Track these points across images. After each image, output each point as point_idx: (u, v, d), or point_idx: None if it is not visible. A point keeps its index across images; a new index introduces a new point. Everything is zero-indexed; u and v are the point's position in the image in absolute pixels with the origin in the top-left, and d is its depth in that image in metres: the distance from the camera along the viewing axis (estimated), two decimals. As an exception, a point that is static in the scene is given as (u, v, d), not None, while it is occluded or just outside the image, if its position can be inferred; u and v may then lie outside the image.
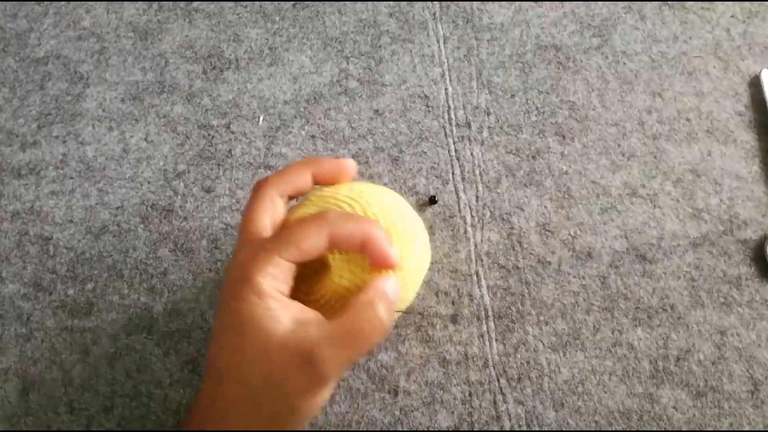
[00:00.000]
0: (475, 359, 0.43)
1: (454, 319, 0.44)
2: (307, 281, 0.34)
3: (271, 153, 0.51)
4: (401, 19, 0.57)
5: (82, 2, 0.59)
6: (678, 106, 0.53)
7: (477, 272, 0.46)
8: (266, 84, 0.54)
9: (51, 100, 0.54)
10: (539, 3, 0.58)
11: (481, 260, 0.46)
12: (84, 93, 0.54)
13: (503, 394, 0.42)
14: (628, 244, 0.47)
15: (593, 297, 0.45)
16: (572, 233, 0.47)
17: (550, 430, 0.41)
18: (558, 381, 0.42)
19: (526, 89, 0.54)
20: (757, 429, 0.41)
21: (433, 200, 0.48)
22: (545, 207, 0.48)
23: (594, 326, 0.44)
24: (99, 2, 0.59)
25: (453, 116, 0.52)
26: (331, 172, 0.34)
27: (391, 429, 0.41)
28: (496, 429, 0.41)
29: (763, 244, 0.47)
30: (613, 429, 0.41)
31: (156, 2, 0.59)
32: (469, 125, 0.52)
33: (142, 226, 0.48)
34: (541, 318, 0.44)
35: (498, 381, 0.42)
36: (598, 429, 0.41)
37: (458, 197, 0.49)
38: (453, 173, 0.50)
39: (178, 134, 0.52)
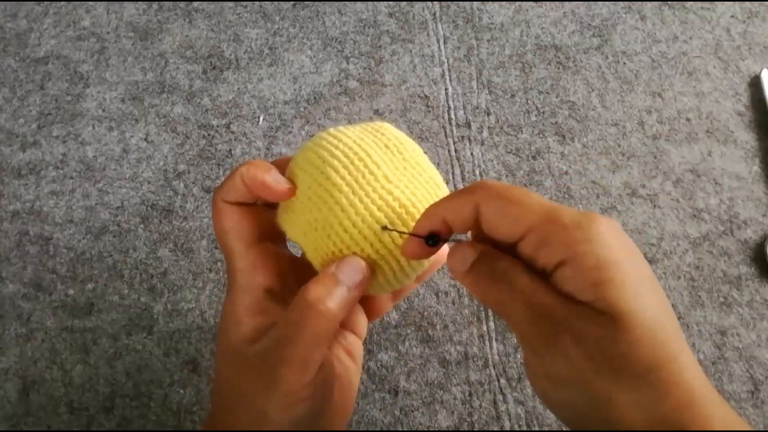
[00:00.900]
0: (475, 359, 0.43)
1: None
2: None
3: (271, 153, 0.51)
4: (401, 19, 0.57)
5: (82, 2, 0.59)
6: (678, 106, 0.53)
7: (477, 272, 0.46)
8: (266, 84, 0.54)
9: (51, 100, 0.54)
10: (539, 3, 0.58)
11: (481, 260, 0.46)
12: (84, 93, 0.54)
13: (503, 394, 0.42)
14: (628, 244, 0.47)
15: (593, 297, 0.45)
16: (572, 233, 0.47)
17: (550, 430, 0.41)
18: (558, 381, 0.42)
19: (526, 89, 0.54)
20: (757, 429, 0.41)
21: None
22: (545, 207, 0.48)
23: (594, 326, 0.44)
24: (99, 2, 0.59)
25: (453, 116, 0.52)
26: (260, 189, 0.30)
27: (391, 429, 0.41)
28: (496, 429, 0.41)
29: (763, 244, 0.47)
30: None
31: (156, 2, 0.59)
32: (469, 125, 0.52)
33: (142, 226, 0.48)
34: (541, 318, 0.44)
35: (498, 381, 0.42)
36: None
37: (458, 197, 0.49)
38: (453, 173, 0.50)
39: (178, 134, 0.52)
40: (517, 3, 0.58)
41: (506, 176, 0.49)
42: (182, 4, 0.59)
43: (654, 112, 0.52)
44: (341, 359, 0.33)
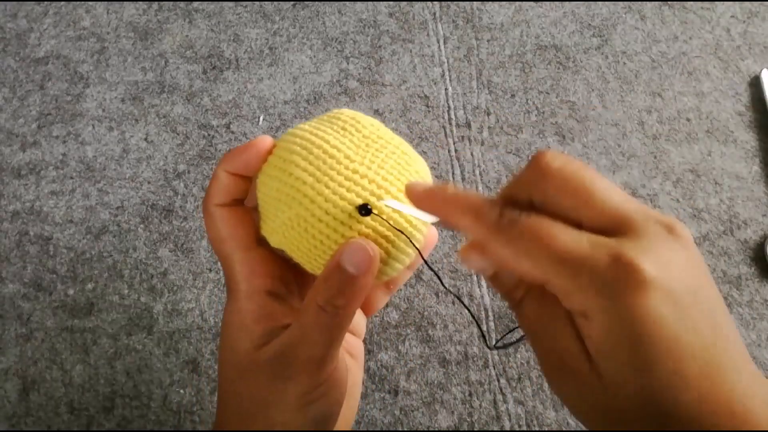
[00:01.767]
0: (475, 359, 0.43)
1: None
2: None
3: (271, 153, 0.51)
4: (401, 19, 0.57)
5: (82, 2, 0.59)
6: (678, 106, 0.53)
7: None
8: (266, 84, 0.54)
9: (51, 100, 0.54)
10: (539, 3, 0.58)
11: (481, 260, 0.46)
12: (84, 93, 0.54)
13: (503, 394, 0.42)
14: (628, 244, 0.47)
15: (593, 297, 0.45)
16: (572, 233, 0.47)
17: (550, 430, 0.41)
18: (558, 381, 0.42)
19: (526, 89, 0.54)
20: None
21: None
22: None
23: (594, 326, 0.44)
24: (99, 2, 0.59)
25: (453, 116, 0.52)
26: (244, 162, 0.30)
27: (391, 429, 0.41)
28: (496, 429, 0.41)
29: (763, 244, 0.47)
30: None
31: (156, 2, 0.59)
32: (469, 125, 0.52)
33: (142, 226, 0.48)
34: (541, 318, 0.44)
35: (498, 381, 0.42)
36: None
37: (458, 197, 0.49)
38: (453, 173, 0.50)
39: (178, 134, 0.52)
40: (517, 3, 0.58)
41: (506, 176, 0.49)
42: (182, 4, 0.59)
43: (654, 112, 0.52)
44: (343, 360, 0.33)
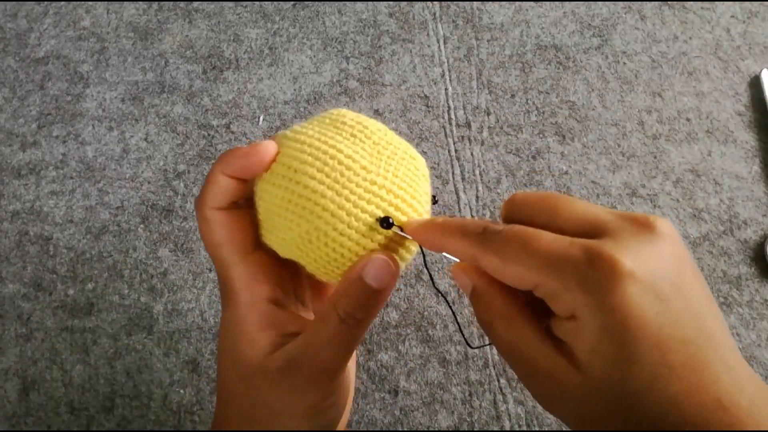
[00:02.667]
0: (475, 359, 0.43)
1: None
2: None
3: (271, 153, 0.51)
4: (401, 19, 0.57)
5: (82, 2, 0.59)
6: (678, 106, 0.53)
7: (477, 272, 0.46)
8: (266, 84, 0.54)
9: (51, 100, 0.54)
10: (539, 3, 0.58)
11: (481, 260, 0.46)
12: (84, 93, 0.54)
13: (503, 394, 0.42)
14: (628, 244, 0.47)
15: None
16: (572, 233, 0.47)
17: (550, 430, 0.41)
18: (558, 381, 0.42)
19: (526, 89, 0.54)
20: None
21: (433, 200, 0.48)
22: (545, 207, 0.48)
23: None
24: (99, 2, 0.59)
25: (453, 116, 0.52)
26: (244, 167, 0.28)
27: (391, 429, 0.41)
28: (496, 429, 0.41)
29: (763, 244, 0.47)
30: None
31: (156, 2, 0.59)
32: (469, 125, 0.52)
33: (142, 226, 0.48)
34: (541, 318, 0.44)
35: (498, 381, 0.42)
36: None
37: (458, 197, 0.49)
38: (453, 173, 0.50)
39: (178, 134, 0.52)
40: (517, 3, 0.58)
41: (506, 176, 0.49)
42: (182, 4, 0.59)
43: (654, 112, 0.52)
44: (348, 366, 0.33)
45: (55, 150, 0.52)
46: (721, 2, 0.58)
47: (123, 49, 0.56)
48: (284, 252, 0.29)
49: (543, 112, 0.52)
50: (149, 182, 0.50)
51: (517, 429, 0.41)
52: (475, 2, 0.58)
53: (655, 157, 0.50)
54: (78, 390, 0.43)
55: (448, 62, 0.55)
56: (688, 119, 0.52)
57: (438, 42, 0.56)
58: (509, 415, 0.41)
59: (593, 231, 0.24)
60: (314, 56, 0.55)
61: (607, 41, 0.56)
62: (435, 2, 0.58)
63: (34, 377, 0.43)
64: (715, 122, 0.52)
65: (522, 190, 0.49)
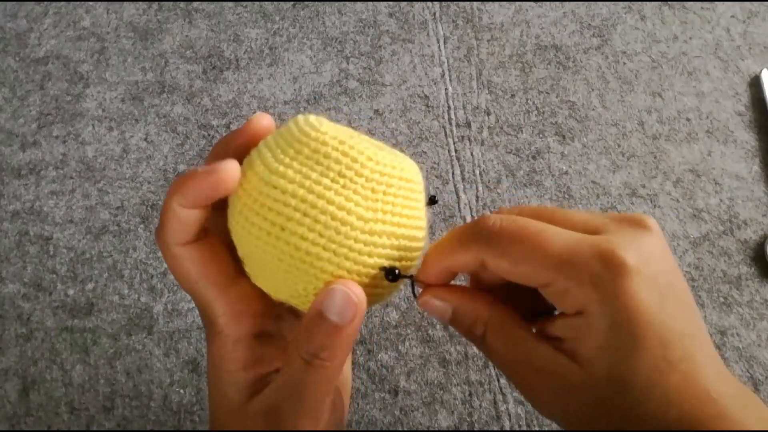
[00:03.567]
0: (475, 359, 0.43)
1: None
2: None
3: (271, 153, 0.51)
4: (401, 19, 0.57)
5: (82, 2, 0.59)
6: (678, 106, 0.53)
7: (477, 272, 0.46)
8: (266, 84, 0.54)
9: (51, 100, 0.54)
10: (539, 3, 0.58)
11: (481, 260, 0.46)
12: (84, 93, 0.54)
13: (503, 394, 0.42)
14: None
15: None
16: (572, 233, 0.47)
17: (550, 430, 0.41)
18: (558, 381, 0.42)
19: (526, 89, 0.54)
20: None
21: (433, 200, 0.48)
22: (545, 207, 0.48)
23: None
24: (99, 2, 0.59)
25: (453, 116, 0.52)
26: (202, 195, 0.24)
27: (391, 429, 0.41)
28: (496, 429, 0.41)
29: (763, 244, 0.47)
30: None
31: (156, 2, 0.59)
32: (469, 125, 0.52)
33: (142, 226, 0.48)
34: (541, 318, 0.44)
35: (498, 381, 0.42)
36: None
37: (458, 197, 0.49)
38: (453, 173, 0.50)
39: (178, 134, 0.52)
40: (517, 3, 0.58)
41: (506, 176, 0.49)
42: (182, 4, 0.59)
43: (654, 112, 0.52)
44: (339, 390, 0.31)
45: (55, 150, 0.52)
46: (721, 2, 0.58)
47: (123, 49, 0.56)
48: (277, 297, 0.27)
49: (543, 112, 0.52)
50: (149, 182, 0.50)
51: (517, 429, 0.41)
52: (475, 2, 0.58)
53: (655, 157, 0.50)
54: (78, 390, 0.43)
55: (448, 62, 0.55)
56: (688, 119, 0.52)
57: (438, 42, 0.56)
58: (509, 415, 0.41)
59: (593, 231, 0.24)
60: (314, 56, 0.55)
61: (607, 41, 0.56)
62: (435, 2, 0.58)
63: (34, 377, 0.43)
64: (715, 122, 0.52)
65: (522, 190, 0.49)
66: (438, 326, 0.44)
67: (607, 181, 0.49)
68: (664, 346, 0.22)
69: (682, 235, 0.47)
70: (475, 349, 0.43)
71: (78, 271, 0.47)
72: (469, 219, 0.48)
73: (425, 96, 0.53)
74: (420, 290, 0.27)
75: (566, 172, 0.50)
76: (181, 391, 0.43)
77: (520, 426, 0.41)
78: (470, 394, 0.42)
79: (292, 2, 0.59)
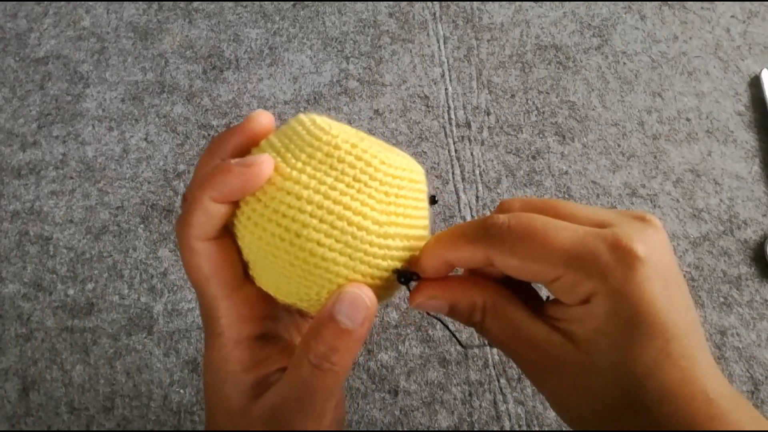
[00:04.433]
0: (475, 359, 0.43)
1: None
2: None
3: (271, 153, 0.51)
4: (401, 19, 0.57)
5: (82, 2, 0.59)
6: (678, 106, 0.53)
7: (477, 272, 0.46)
8: (266, 84, 0.54)
9: (51, 100, 0.54)
10: (539, 3, 0.58)
11: (481, 260, 0.46)
12: (84, 93, 0.54)
13: (503, 394, 0.42)
14: (628, 244, 0.47)
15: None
16: (572, 233, 0.47)
17: (550, 430, 0.41)
18: (558, 381, 0.42)
19: (526, 89, 0.54)
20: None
21: (433, 200, 0.48)
22: (545, 207, 0.48)
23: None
24: (99, 2, 0.59)
25: (453, 116, 0.52)
26: (238, 189, 0.25)
27: (391, 429, 0.41)
28: (496, 429, 0.41)
29: (763, 244, 0.47)
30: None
31: (156, 2, 0.59)
32: (469, 125, 0.52)
33: (142, 226, 0.48)
34: (541, 318, 0.44)
35: (498, 381, 0.42)
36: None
37: (458, 197, 0.49)
38: (453, 173, 0.50)
39: (178, 134, 0.52)
40: (517, 3, 0.58)
41: (506, 176, 0.49)
42: (182, 4, 0.59)
43: (654, 112, 0.52)
44: (341, 392, 0.32)
45: (55, 150, 0.52)
46: (721, 2, 0.58)
47: (123, 49, 0.56)
48: (284, 300, 0.27)
49: (543, 112, 0.52)
50: (149, 182, 0.50)
51: (517, 429, 0.41)
52: (475, 2, 0.58)
53: (655, 157, 0.50)
54: (78, 390, 0.43)
55: (448, 62, 0.55)
56: (688, 119, 0.52)
57: (438, 42, 0.56)
58: (509, 415, 0.41)
59: (599, 225, 0.24)
60: (314, 56, 0.55)
61: (607, 41, 0.56)
62: (435, 2, 0.58)
63: (34, 377, 0.43)
64: (715, 122, 0.52)
65: (522, 190, 0.49)
66: (438, 326, 0.44)
67: (607, 181, 0.49)
68: (666, 339, 0.22)
69: (682, 235, 0.47)
70: (475, 348, 0.43)
71: (78, 271, 0.47)
72: (469, 219, 0.48)
73: (425, 96, 0.53)
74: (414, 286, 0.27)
75: (566, 172, 0.50)
76: (181, 391, 0.43)
77: (520, 426, 0.41)
78: (470, 394, 0.42)
79: (292, 2, 0.59)
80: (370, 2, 0.58)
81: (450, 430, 0.41)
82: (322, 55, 0.56)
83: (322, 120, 0.26)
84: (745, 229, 0.47)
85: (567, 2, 0.58)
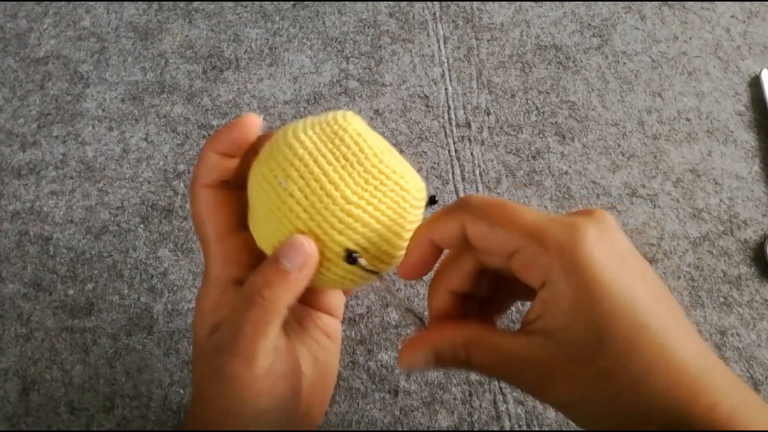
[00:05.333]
0: (475, 359, 0.43)
1: None
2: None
3: (271, 153, 0.51)
4: (401, 19, 0.57)
5: (82, 2, 0.59)
6: (678, 106, 0.53)
7: (477, 272, 0.46)
8: (266, 84, 0.54)
9: (51, 100, 0.54)
10: (539, 3, 0.58)
11: (481, 260, 0.46)
12: (84, 93, 0.54)
13: (503, 394, 0.42)
14: (628, 244, 0.47)
15: (593, 297, 0.45)
16: (572, 233, 0.47)
17: (550, 430, 0.41)
18: (558, 381, 0.42)
19: (526, 89, 0.54)
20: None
21: (433, 200, 0.48)
22: (545, 207, 0.48)
23: (594, 326, 0.44)
24: (99, 2, 0.59)
25: (453, 116, 0.52)
26: (231, 141, 0.30)
27: (391, 429, 0.41)
28: (496, 429, 0.41)
29: (763, 244, 0.47)
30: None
31: (156, 2, 0.59)
32: (469, 125, 0.52)
33: (142, 226, 0.48)
34: (541, 318, 0.44)
35: (498, 381, 0.42)
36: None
37: (458, 197, 0.49)
38: (453, 173, 0.50)
39: (178, 134, 0.52)
40: (517, 3, 0.58)
41: (506, 176, 0.49)
42: (182, 4, 0.59)
43: (654, 112, 0.52)
44: (319, 341, 0.34)
45: (55, 150, 0.52)
46: (721, 2, 0.58)
47: (123, 49, 0.56)
48: (260, 245, 0.30)
49: (543, 112, 0.52)
50: (149, 182, 0.50)
51: (517, 429, 0.41)
52: (475, 2, 0.58)
53: (655, 157, 0.50)
54: (78, 390, 0.43)
55: (448, 62, 0.55)
56: (688, 119, 0.52)
57: (438, 42, 0.56)
58: (509, 415, 0.41)
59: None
60: (314, 56, 0.56)
61: (607, 41, 0.56)
62: (435, 2, 0.58)
63: (34, 377, 0.43)
64: (715, 122, 0.52)
65: (522, 190, 0.49)
66: (438, 326, 0.44)
67: (607, 181, 0.49)
68: (634, 314, 0.24)
69: (682, 235, 0.47)
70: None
71: (78, 271, 0.47)
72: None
73: (425, 96, 0.53)
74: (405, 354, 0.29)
75: (566, 172, 0.50)
76: (181, 391, 0.43)
77: (520, 426, 0.41)
78: (470, 394, 0.42)
79: (292, 2, 0.59)
80: (370, 2, 0.58)
81: (450, 430, 0.41)
82: (322, 55, 0.56)
83: (352, 114, 0.30)
84: (745, 229, 0.47)
85: (567, 2, 0.58)
